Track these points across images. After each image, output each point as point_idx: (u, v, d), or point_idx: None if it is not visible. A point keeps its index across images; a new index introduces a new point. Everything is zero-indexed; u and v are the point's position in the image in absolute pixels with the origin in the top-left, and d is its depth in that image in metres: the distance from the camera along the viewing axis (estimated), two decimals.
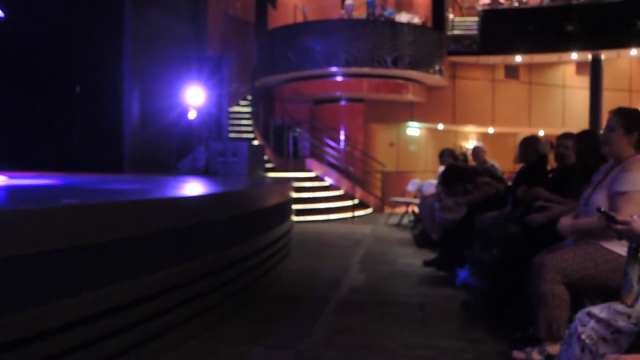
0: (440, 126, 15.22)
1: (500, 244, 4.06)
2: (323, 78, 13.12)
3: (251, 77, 15.02)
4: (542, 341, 3.03)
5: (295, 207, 7.53)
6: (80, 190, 4.14)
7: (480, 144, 7.94)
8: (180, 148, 9.62)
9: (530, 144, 5.15)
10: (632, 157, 3.01)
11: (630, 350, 1.91)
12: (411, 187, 11.52)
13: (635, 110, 3.12)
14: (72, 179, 5.71)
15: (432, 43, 13.36)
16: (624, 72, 15.78)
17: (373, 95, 13.39)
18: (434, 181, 9.74)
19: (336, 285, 5.12)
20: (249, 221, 4.52)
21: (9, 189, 4.20)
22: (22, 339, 2.18)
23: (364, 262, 6.42)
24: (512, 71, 15.29)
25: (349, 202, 11.70)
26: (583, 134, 4.04)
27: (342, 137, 13.59)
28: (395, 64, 12.58)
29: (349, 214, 11.33)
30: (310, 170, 12.63)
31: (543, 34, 13.31)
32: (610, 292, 2.96)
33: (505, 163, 9.57)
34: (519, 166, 5.44)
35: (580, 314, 2.19)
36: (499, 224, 4.64)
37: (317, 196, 11.56)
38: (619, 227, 2.24)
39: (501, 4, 14.43)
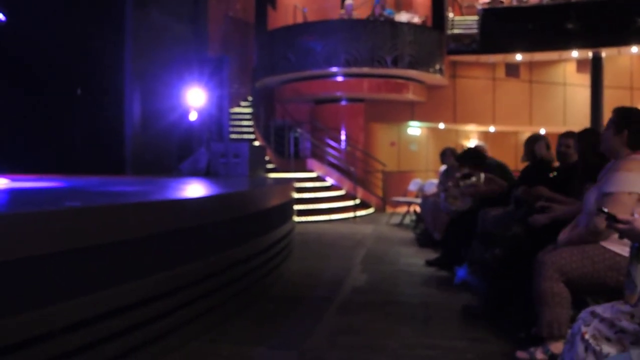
0: (441, 125, 15.21)
1: (503, 244, 4.06)
2: (323, 78, 13.11)
3: (252, 77, 15.03)
4: (545, 340, 3.03)
5: (296, 207, 7.53)
6: (82, 192, 4.15)
7: (481, 143, 7.93)
8: (182, 149, 9.63)
9: (533, 143, 5.15)
10: (627, 156, 3.02)
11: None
12: (413, 186, 11.52)
13: (628, 109, 3.12)
14: (74, 181, 5.72)
15: (432, 42, 13.35)
16: (624, 70, 15.76)
17: (373, 95, 13.39)
18: (436, 180, 9.74)
19: (338, 286, 5.12)
20: (251, 222, 4.53)
21: (11, 192, 4.20)
22: (25, 341, 2.19)
23: (366, 262, 6.42)
24: (512, 70, 15.28)
25: (350, 202, 11.70)
26: (584, 132, 4.05)
27: (343, 137, 13.60)
28: (395, 63, 12.58)
29: (350, 214, 11.33)
30: (311, 171, 12.63)
31: (543, 32, 13.30)
32: (611, 290, 2.97)
33: (506, 162, 9.55)
34: (523, 165, 5.45)
35: (584, 314, 2.19)
36: (501, 224, 4.64)
37: (318, 196, 11.56)
38: (621, 226, 2.24)
39: (501, 2, 14.41)
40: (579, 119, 14.12)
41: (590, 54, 13.79)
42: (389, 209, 12.56)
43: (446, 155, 8.22)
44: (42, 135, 8.18)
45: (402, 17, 13.80)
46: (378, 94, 13.31)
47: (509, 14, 14.03)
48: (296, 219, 7.45)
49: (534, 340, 3.12)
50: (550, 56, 14.62)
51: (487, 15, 13.97)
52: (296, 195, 7.44)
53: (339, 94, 13.51)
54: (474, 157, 6.35)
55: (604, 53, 13.69)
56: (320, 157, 12.97)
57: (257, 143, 13.56)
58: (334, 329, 3.77)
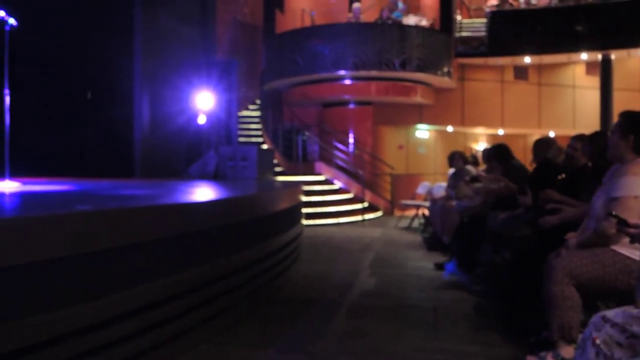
0: (450, 128, 15.19)
1: (513, 246, 4.05)
2: (331, 81, 13.14)
3: (260, 81, 15.07)
4: (556, 345, 3.02)
5: (305, 210, 7.54)
6: (92, 196, 4.17)
7: (489, 146, 7.91)
8: (190, 152, 9.65)
9: (541, 146, 5.13)
10: (632, 160, 3.02)
11: None
12: (421, 189, 11.50)
13: (634, 114, 3.11)
14: (84, 185, 5.75)
15: (440, 45, 13.34)
16: (634, 72, 15.68)
17: (381, 98, 13.39)
18: (444, 184, 9.72)
19: (347, 289, 5.13)
20: (259, 225, 4.54)
21: (22, 195, 4.23)
22: (38, 344, 2.21)
23: (374, 266, 6.42)
24: (521, 72, 15.24)
25: (358, 205, 11.70)
26: (595, 135, 4.04)
27: (351, 140, 13.60)
28: (403, 66, 12.58)
29: (358, 217, 11.33)
30: (319, 174, 12.64)
31: (552, 34, 13.25)
32: (622, 294, 2.96)
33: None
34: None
35: (595, 319, 2.18)
36: (510, 227, 4.63)
37: (326, 199, 11.57)
38: (632, 230, 2.24)
39: (510, 5, 14.38)
40: (588, 122, 14.06)
41: (599, 56, 13.73)
42: (397, 212, 12.55)
43: (455, 158, 8.21)
44: (52, 138, 8.22)
45: (410, 20, 13.80)
46: (386, 97, 13.31)
47: (517, 16, 14.00)
48: (304, 222, 7.46)
49: (545, 344, 3.11)
50: (559, 59, 14.57)
51: (496, 18, 13.95)
52: (304, 199, 7.45)
53: (347, 97, 13.52)
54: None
55: (613, 55, 13.62)
56: (329, 160, 12.98)
57: (265, 146, 13.58)
58: (342, 333, 3.77)
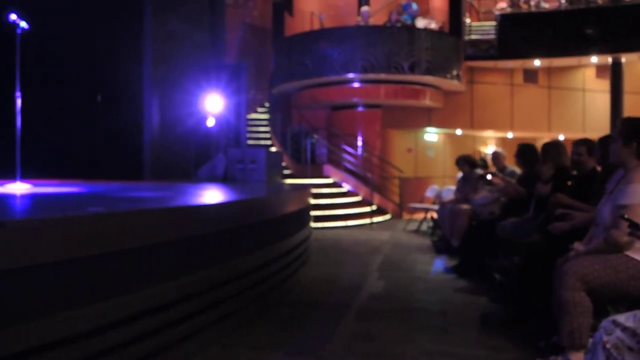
0: (459, 131, 15.16)
1: (522, 251, 4.04)
2: (340, 84, 13.15)
3: (268, 84, 15.11)
4: (565, 350, 3.00)
5: (313, 213, 7.55)
6: (104, 198, 4.20)
7: (500, 149, 7.88)
8: (199, 155, 9.69)
9: (551, 150, 5.11)
10: (636, 167, 3.01)
11: None
12: (430, 193, 11.48)
13: (636, 120, 3.11)
14: (95, 187, 5.79)
15: (450, 48, 13.33)
16: None
17: (390, 101, 13.39)
18: (453, 187, 9.70)
19: (355, 292, 5.13)
20: (268, 228, 4.55)
21: (34, 197, 4.27)
22: (48, 344, 2.23)
23: (382, 269, 6.41)
24: (530, 75, 15.19)
25: (367, 209, 11.70)
26: (605, 138, 4.02)
27: (359, 143, 13.60)
28: (412, 69, 12.57)
29: (367, 220, 11.32)
30: (327, 177, 12.65)
31: (562, 37, 13.20)
32: (634, 299, 2.95)
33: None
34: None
35: (605, 323, 2.18)
36: (520, 232, 4.62)
37: (334, 202, 11.57)
38: None
39: (519, 7, 14.34)
40: (598, 125, 13.99)
41: (609, 59, 13.67)
42: (406, 216, 12.53)
43: (459, 164, 8.21)
44: (62, 141, 8.28)
45: (419, 23, 13.80)
46: (395, 100, 13.31)
47: (526, 19, 13.95)
48: (313, 225, 7.46)
49: (554, 349, 3.09)
50: (569, 62, 14.51)
51: (505, 21, 13.91)
52: (313, 201, 7.46)
53: (355, 100, 13.52)
54: (529, 154, 6.06)
55: (623, 58, 13.55)
56: (337, 163, 12.98)
57: (273, 149, 13.61)
58: (351, 336, 3.77)
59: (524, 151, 5.87)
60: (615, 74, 13.69)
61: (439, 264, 5.25)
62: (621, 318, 2.12)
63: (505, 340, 3.62)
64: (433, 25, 13.92)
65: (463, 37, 14.10)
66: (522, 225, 4.79)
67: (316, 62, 12.80)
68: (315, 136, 13.46)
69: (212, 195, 5.01)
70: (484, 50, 14.32)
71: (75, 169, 8.02)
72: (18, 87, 5.70)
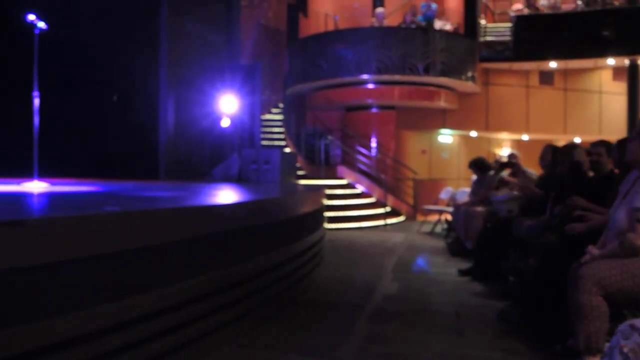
0: (473, 133, 15.09)
1: (538, 253, 4.01)
2: (354, 86, 13.15)
3: (283, 84, 15.15)
4: (582, 354, 2.97)
5: (327, 214, 7.55)
6: (119, 197, 4.23)
7: (514, 151, 7.84)
8: (214, 155, 9.74)
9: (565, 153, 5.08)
10: None
11: None
12: (444, 195, 11.44)
13: None
14: (110, 186, 5.83)
15: (465, 50, 13.28)
16: None
17: (405, 102, 13.36)
18: (467, 189, 9.65)
19: (370, 293, 5.12)
20: (283, 228, 4.56)
21: (51, 195, 4.31)
22: (63, 342, 2.25)
23: (397, 271, 6.40)
24: (546, 77, 15.07)
25: (381, 210, 11.68)
26: (623, 141, 3.98)
27: (373, 144, 13.58)
28: (427, 71, 12.54)
29: (381, 222, 11.30)
30: (341, 178, 12.64)
31: (578, 39, 13.09)
32: None
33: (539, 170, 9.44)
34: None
35: (622, 327, 2.16)
36: (536, 233, 4.58)
37: (348, 204, 11.57)
38: None
39: (536, 9, 14.24)
40: (615, 128, 13.86)
41: (626, 61, 13.53)
42: (420, 217, 12.50)
43: (471, 168, 8.16)
44: (79, 140, 8.36)
45: (435, 24, 13.76)
46: (409, 101, 13.28)
47: (542, 20, 13.86)
48: (327, 226, 7.46)
49: (570, 353, 3.07)
50: (586, 64, 14.39)
51: (521, 22, 13.83)
52: (327, 202, 7.46)
53: (370, 101, 13.52)
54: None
55: None
56: (351, 165, 12.98)
57: (287, 150, 13.63)
58: (365, 337, 3.77)
59: (553, 153, 5.78)
60: (632, 76, 13.55)
61: (421, 262, 5.23)
62: (638, 323, 2.10)
63: (520, 343, 3.60)
64: (448, 27, 13.87)
65: (478, 39, 14.04)
66: (538, 226, 4.75)
67: (331, 63, 12.81)
68: (330, 137, 13.47)
69: (226, 195, 5.03)
70: (499, 52, 14.25)
71: (91, 168, 8.09)
72: (35, 86, 5.77)
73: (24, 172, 5.83)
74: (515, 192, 6.05)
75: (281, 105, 16.11)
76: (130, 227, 2.64)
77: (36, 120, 5.72)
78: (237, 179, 8.46)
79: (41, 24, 5.74)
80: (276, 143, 14.50)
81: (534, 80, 15.05)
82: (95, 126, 8.58)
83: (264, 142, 13.63)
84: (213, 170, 8.97)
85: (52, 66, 7.59)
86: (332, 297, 5.06)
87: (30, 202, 3.65)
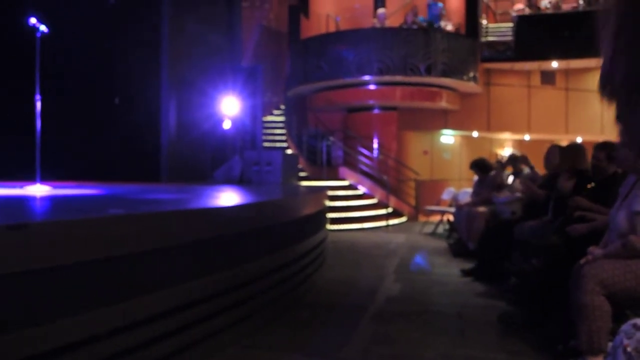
0: (475, 134, 15.08)
1: (541, 254, 4.01)
2: (356, 87, 13.14)
3: (284, 86, 15.15)
4: (584, 354, 2.98)
5: (329, 215, 7.55)
6: (123, 200, 4.24)
7: (516, 152, 7.84)
8: (215, 157, 9.76)
9: (571, 153, 5.08)
10: None
11: None
12: (446, 195, 11.43)
13: None
14: (113, 189, 5.85)
15: (466, 50, 13.27)
16: None
17: (406, 103, 13.36)
18: (469, 189, 9.65)
19: (372, 294, 5.12)
20: (285, 230, 4.57)
21: (54, 199, 4.32)
22: (71, 344, 2.26)
23: (399, 271, 6.40)
24: (548, 77, 15.06)
25: (382, 211, 11.67)
26: (604, 146, 3.99)
27: (375, 145, 13.58)
28: (428, 71, 12.54)
29: (383, 223, 11.30)
30: (343, 179, 12.64)
31: (579, 38, 13.07)
32: None
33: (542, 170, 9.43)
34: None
35: (626, 326, 2.16)
36: (539, 234, 4.59)
37: (350, 205, 11.57)
38: None
39: (538, 9, 14.24)
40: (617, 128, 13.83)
41: None
42: (422, 218, 12.49)
43: (472, 168, 8.16)
44: (80, 143, 8.38)
45: (440, 23, 13.76)
46: (411, 102, 13.28)
47: (544, 20, 13.85)
48: (329, 227, 7.47)
49: (573, 353, 3.07)
50: (588, 63, 14.35)
51: (522, 22, 13.82)
52: (329, 204, 7.47)
53: (371, 102, 13.52)
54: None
55: None
56: (353, 166, 12.98)
57: (289, 151, 13.63)
58: (369, 338, 3.77)
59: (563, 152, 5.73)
60: None
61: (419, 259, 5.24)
62: None
63: (523, 343, 3.60)
64: (449, 27, 13.87)
65: (480, 39, 14.03)
66: (541, 227, 4.76)
67: (332, 64, 12.81)
68: (331, 138, 13.47)
69: (229, 197, 5.04)
70: (500, 52, 14.24)
71: (92, 171, 8.11)
72: (38, 90, 5.78)
73: (27, 176, 5.85)
74: (517, 194, 6.06)
75: (282, 106, 16.12)
76: (135, 230, 2.65)
77: (38, 123, 5.73)
78: (239, 181, 8.47)
79: (43, 27, 5.76)
80: (278, 145, 14.51)
81: (536, 80, 15.04)
82: (97, 129, 8.61)
83: (266, 144, 13.64)
84: (215, 172, 8.98)
85: (54, 69, 7.62)
86: (335, 298, 5.07)
87: (34, 205, 3.66)
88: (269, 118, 15.73)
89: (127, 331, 2.54)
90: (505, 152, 14.88)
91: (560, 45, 13.28)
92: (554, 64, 14.26)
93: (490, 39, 14.75)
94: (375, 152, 13.47)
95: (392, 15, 14.61)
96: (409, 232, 10.50)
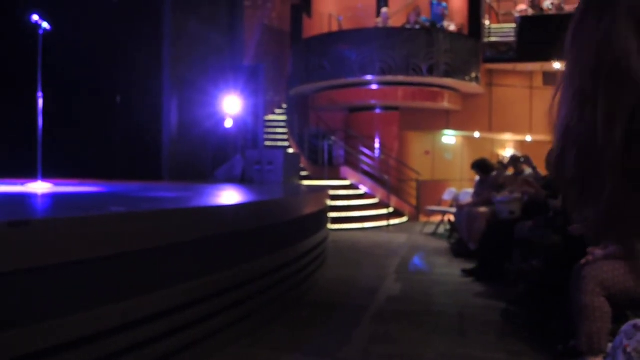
0: (477, 134, 15.07)
1: (541, 254, 4.01)
2: (358, 86, 13.14)
3: (286, 85, 15.15)
4: (584, 355, 2.98)
5: (330, 215, 7.55)
6: (124, 198, 4.25)
7: (516, 152, 7.83)
8: (217, 156, 9.76)
9: None
10: None
11: None
12: (447, 195, 11.41)
13: None
14: (114, 187, 5.85)
15: (469, 50, 13.26)
16: None
17: (408, 103, 13.35)
18: (471, 190, 9.64)
19: (373, 294, 5.12)
20: (286, 229, 4.57)
21: (56, 196, 4.33)
22: (70, 342, 2.26)
23: (400, 271, 6.40)
24: (550, 78, 15.02)
25: (384, 211, 11.67)
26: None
27: (377, 145, 13.58)
28: (431, 72, 12.53)
29: (384, 223, 11.29)
30: (345, 179, 12.64)
31: None
32: None
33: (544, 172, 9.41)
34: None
35: (626, 327, 2.15)
36: (539, 234, 4.58)
37: (351, 204, 11.56)
38: None
39: (541, 9, 14.22)
40: None
41: None
42: (423, 218, 12.48)
43: (473, 169, 8.16)
44: (82, 141, 8.38)
45: (443, 23, 13.75)
46: (413, 102, 13.27)
47: (547, 21, 13.82)
48: (330, 226, 7.47)
49: (573, 353, 3.07)
50: None
51: (525, 23, 13.80)
52: (330, 203, 7.46)
53: (373, 102, 13.51)
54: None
55: None
56: (354, 165, 12.98)
57: (291, 150, 13.63)
58: (369, 338, 3.77)
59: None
60: None
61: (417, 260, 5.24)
62: None
63: (523, 344, 3.60)
64: (452, 28, 13.86)
65: (482, 40, 14.02)
66: (541, 227, 4.75)
67: (334, 64, 12.81)
68: (333, 138, 13.47)
69: (230, 196, 5.04)
70: (503, 53, 14.22)
71: (94, 169, 8.11)
72: (40, 87, 5.78)
73: (28, 173, 5.85)
74: (517, 194, 6.05)
75: (284, 106, 16.12)
76: (137, 228, 2.65)
77: (40, 120, 5.73)
78: (240, 180, 8.47)
79: (45, 25, 5.76)
80: (279, 144, 14.50)
81: (538, 81, 15.02)
82: (99, 127, 8.61)
83: (267, 143, 13.64)
84: (216, 171, 8.99)
85: (56, 67, 7.63)
86: (335, 297, 5.07)
87: (35, 202, 3.66)
88: (271, 117, 15.73)
89: (127, 330, 2.54)
90: (507, 153, 14.86)
91: (562, 47, 13.21)
92: (557, 65, 14.22)
93: (493, 39, 14.73)
94: (377, 152, 13.47)
95: (394, 15, 14.59)
96: (410, 232, 10.49)
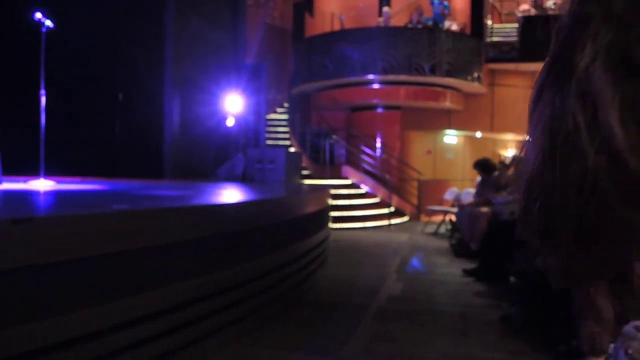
0: (479, 134, 15.05)
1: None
2: (360, 85, 13.14)
3: (288, 84, 15.14)
4: (585, 355, 2.98)
5: (331, 214, 7.55)
6: (126, 196, 4.25)
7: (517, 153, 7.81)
8: (219, 155, 9.76)
9: None
10: None
11: None
12: (448, 195, 11.41)
13: None
14: (116, 185, 5.86)
15: (471, 50, 13.25)
16: None
17: (410, 102, 13.34)
18: (472, 190, 9.63)
19: (374, 293, 5.12)
20: (288, 228, 4.57)
21: (59, 194, 4.33)
22: (72, 339, 2.26)
23: (401, 271, 6.40)
24: None
25: (385, 210, 11.67)
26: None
27: (378, 144, 13.57)
28: (433, 71, 12.52)
29: (385, 222, 11.29)
30: (346, 178, 12.64)
31: None
32: None
33: None
34: None
35: (628, 328, 2.16)
36: None
37: (353, 204, 11.56)
38: None
39: (543, 9, 14.20)
40: None
41: None
42: (424, 218, 12.48)
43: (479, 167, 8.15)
44: (84, 139, 8.39)
45: (446, 23, 13.74)
46: (415, 101, 13.26)
47: (549, 21, 13.72)
48: (331, 226, 7.47)
49: (575, 354, 3.07)
50: None
51: (527, 23, 13.78)
52: (331, 203, 7.46)
53: (375, 101, 13.51)
54: None
55: None
56: (356, 165, 12.97)
57: (292, 149, 13.63)
58: (370, 337, 3.78)
59: None
60: None
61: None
62: None
63: (525, 344, 3.60)
64: (454, 27, 13.85)
65: (485, 39, 14.00)
66: None
67: (336, 63, 12.81)
68: (334, 137, 13.47)
69: (231, 194, 5.04)
70: (505, 53, 14.21)
71: (96, 167, 8.11)
72: (42, 85, 5.79)
73: (31, 171, 5.85)
74: (516, 195, 6.06)
75: (286, 104, 16.12)
76: (139, 225, 2.65)
77: (42, 118, 5.74)
78: (241, 179, 8.47)
79: (48, 23, 5.76)
80: (281, 143, 14.50)
81: None
82: (101, 125, 8.61)
83: (269, 142, 13.64)
84: (218, 169, 8.99)
85: (58, 65, 7.63)
86: (336, 297, 5.07)
87: (38, 200, 3.67)
88: (273, 116, 15.73)
89: (128, 328, 2.55)
90: (509, 152, 14.85)
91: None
92: None
93: (495, 39, 14.71)
94: (378, 151, 13.46)
95: (397, 15, 14.59)
96: (411, 232, 10.49)
